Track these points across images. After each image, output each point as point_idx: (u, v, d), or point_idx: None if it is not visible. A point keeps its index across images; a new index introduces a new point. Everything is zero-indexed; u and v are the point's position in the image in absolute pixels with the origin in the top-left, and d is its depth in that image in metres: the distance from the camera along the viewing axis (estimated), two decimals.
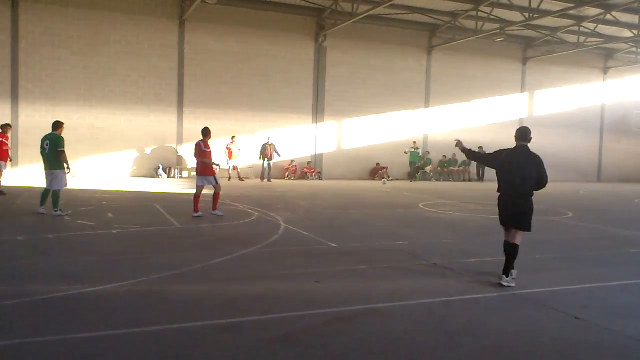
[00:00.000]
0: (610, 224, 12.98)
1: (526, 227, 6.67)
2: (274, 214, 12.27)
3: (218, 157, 23.21)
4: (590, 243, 10.01)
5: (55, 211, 10.95)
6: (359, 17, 22.65)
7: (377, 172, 26.78)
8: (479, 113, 29.39)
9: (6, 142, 14.81)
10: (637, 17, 24.03)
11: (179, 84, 23.32)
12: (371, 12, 22.24)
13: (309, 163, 25.83)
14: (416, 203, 15.94)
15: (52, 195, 11.09)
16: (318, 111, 25.87)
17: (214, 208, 11.83)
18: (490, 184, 20.14)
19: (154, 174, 22.84)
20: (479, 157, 7.73)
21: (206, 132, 11.93)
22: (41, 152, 11.23)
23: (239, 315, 5.18)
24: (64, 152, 11.07)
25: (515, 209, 6.69)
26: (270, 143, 23.44)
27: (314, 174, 25.47)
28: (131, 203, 14.00)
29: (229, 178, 22.86)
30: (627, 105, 33.60)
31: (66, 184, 11.34)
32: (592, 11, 24.30)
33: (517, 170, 6.64)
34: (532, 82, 30.82)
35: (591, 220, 13.52)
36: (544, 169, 6.68)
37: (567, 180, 28.75)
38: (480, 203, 16.49)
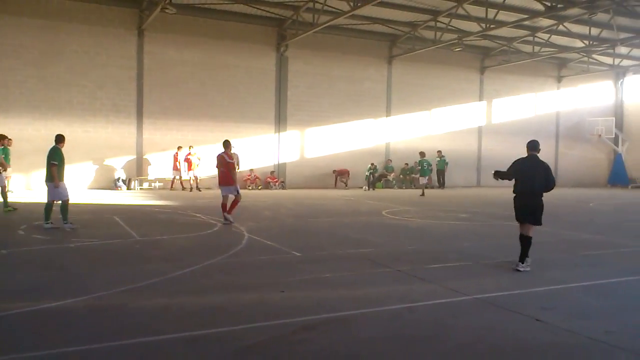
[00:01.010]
0: (568, 227, 13.32)
1: (539, 222, 7.94)
2: (238, 224, 12.16)
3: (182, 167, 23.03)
4: (549, 246, 10.25)
5: (46, 224, 10.99)
6: (320, 27, 22.77)
7: (342, 174, 26.83)
8: (439, 121, 29.84)
9: None
10: (588, 27, 24.94)
11: (139, 94, 22.92)
12: (332, 23, 22.40)
13: (272, 172, 25.72)
14: (379, 210, 16.05)
15: (45, 206, 11.14)
16: (280, 121, 25.83)
17: (229, 212, 12.31)
18: (450, 191, 20.46)
19: (113, 186, 22.36)
20: (509, 175, 8.31)
21: (227, 144, 12.67)
22: None
23: (203, 327, 5.09)
24: (54, 164, 11.07)
25: (530, 207, 7.87)
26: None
27: (277, 184, 25.39)
28: (89, 216, 13.65)
29: (190, 189, 22.59)
30: (581, 112, 34.77)
31: (58, 197, 11.20)
32: (545, 22, 25.14)
33: (529, 174, 7.86)
34: (489, 91, 31.54)
35: (550, 223, 13.80)
36: (552, 174, 7.94)
37: None
38: (442, 209, 16.73)
